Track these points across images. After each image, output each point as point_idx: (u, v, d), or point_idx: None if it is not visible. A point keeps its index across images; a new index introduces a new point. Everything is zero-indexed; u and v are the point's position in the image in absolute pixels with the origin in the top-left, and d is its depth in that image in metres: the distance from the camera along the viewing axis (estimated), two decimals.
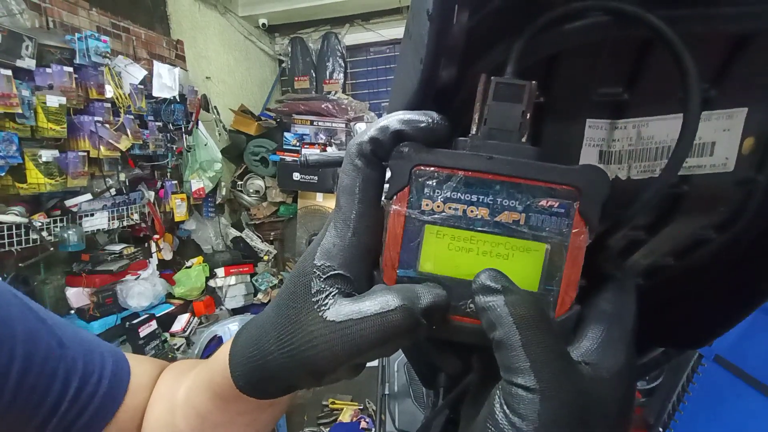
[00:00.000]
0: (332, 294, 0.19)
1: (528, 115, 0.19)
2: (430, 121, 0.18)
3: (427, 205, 0.18)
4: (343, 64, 3.05)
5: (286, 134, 2.65)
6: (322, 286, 0.19)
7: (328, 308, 0.18)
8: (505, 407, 0.16)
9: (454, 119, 0.20)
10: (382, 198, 0.20)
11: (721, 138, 0.22)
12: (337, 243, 0.19)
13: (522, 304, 0.16)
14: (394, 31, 2.94)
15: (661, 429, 1.12)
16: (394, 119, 0.19)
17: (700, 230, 0.26)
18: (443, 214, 0.18)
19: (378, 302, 0.18)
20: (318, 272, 0.19)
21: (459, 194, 0.18)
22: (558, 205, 0.18)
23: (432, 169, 0.18)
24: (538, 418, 0.15)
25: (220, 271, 2.38)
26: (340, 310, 0.18)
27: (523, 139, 0.19)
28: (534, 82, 0.19)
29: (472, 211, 0.18)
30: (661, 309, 0.31)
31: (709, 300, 0.30)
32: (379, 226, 0.20)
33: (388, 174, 0.20)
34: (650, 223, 0.25)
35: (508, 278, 0.17)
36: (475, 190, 0.18)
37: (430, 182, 0.18)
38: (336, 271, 0.19)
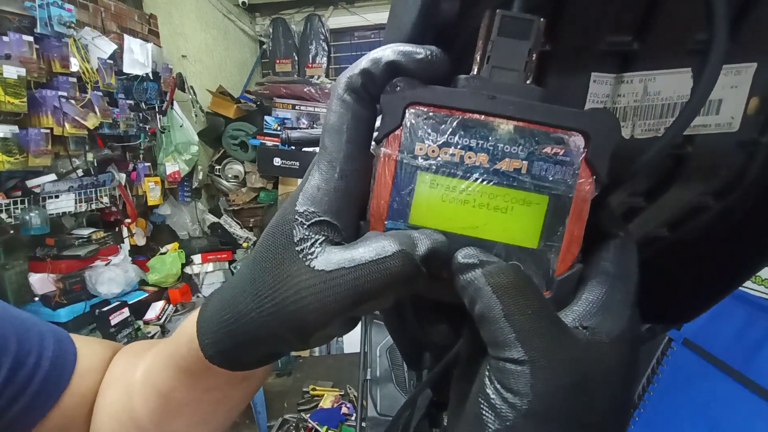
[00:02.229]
0: (318, 241, 0.17)
1: (535, 54, 0.17)
2: (429, 53, 0.17)
3: (420, 149, 0.16)
4: (326, 48, 2.97)
5: (266, 118, 2.57)
6: (306, 233, 0.17)
7: (316, 257, 0.16)
8: (495, 383, 0.15)
9: (455, 64, 0.18)
10: (372, 142, 0.18)
11: (729, 95, 0.21)
12: (322, 187, 0.17)
13: (500, 273, 0.15)
14: (379, 15, 2.87)
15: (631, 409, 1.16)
16: (388, 50, 0.17)
17: (699, 197, 0.25)
18: (438, 159, 0.16)
19: (373, 248, 0.16)
20: (301, 219, 0.17)
21: (456, 138, 0.16)
22: (564, 152, 0.16)
23: (428, 108, 0.16)
24: (531, 391, 0.14)
25: (196, 258, 2.31)
26: (330, 258, 0.16)
27: (528, 81, 0.17)
28: (543, 18, 0.17)
29: (470, 158, 0.16)
30: (649, 283, 0.31)
31: (697, 274, 0.29)
32: (368, 172, 0.17)
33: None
34: (650, 188, 0.25)
35: (487, 252, 0.16)
36: (474, 133, 0.16)
37: (426, 124, 0.16)
38: (321, 218, 0.17)
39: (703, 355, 1.02)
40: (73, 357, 0.30)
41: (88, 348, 0.32)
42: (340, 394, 1.88)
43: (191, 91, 2.41)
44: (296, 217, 0.17)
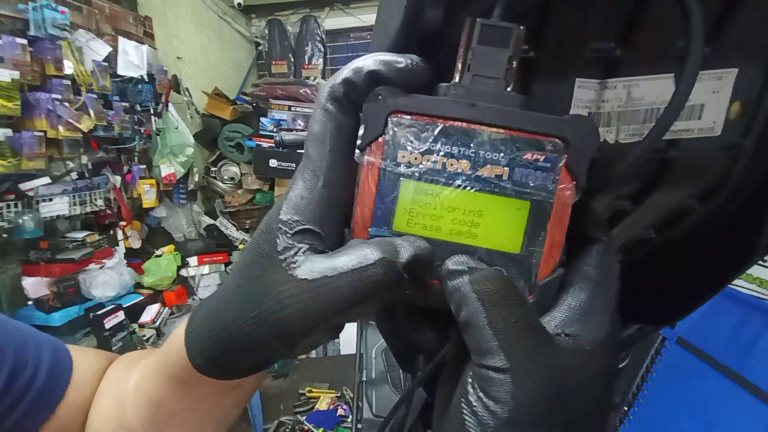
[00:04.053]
0: (302, 250, 0.17)
1: (515, 62, 0.17)
2: (410, 62, 0.17)
3: (403, 156, 0.17)
4: (322, 49, 2.97)
5: (262, 119, 2.57)
6: (290, 242, 0.17)
7: (299, 266, 0.16)
8: (478, 390, 0.15)
9: (438, 73, 0.18)
10: (355, 150, 0.18)
11: (710, 100, 0.22)
12: (306, 196, 0.17)
13: (486, 280, 0.15)
14: (375, 16, 2.87)
15: (626, 408, 1.17)
16: (369, 59, 0.17)
17: (684, 200, 0.26)
18: (421, 167, 0.17)
19: (355, 256, 0.16)
20: (284, 228, 0.17)
21: (438, 145, 0.17)
22: (544, 158, 0.16)
23: (410, 116, 0.16)
24: (512, 400, 0.14)
25: (192, 260, 2.29)
26: (313, 267, 0.16)
27: (509, 88, 0.17)
28: (522, 26, 0.17)
29: (452, 165, 0.17)
30: (639, 285, 0.31)
31: (686, 274, 0.30)
32: (352, 180, 0.18)
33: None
34: (636, 191, 0.25)
35: (475, 260, 0.16)
36: (455, 140, 0.17)
37: (408, 131, 0.17)
38: (305, 226, 0.17)
39: (697, 353, 1.02)
40: (69, 367, 0.30)
41: (84, 358, 0.32)
42: (336, 396, 1.88)
43: (186, 92, 2.40)
44: (280, 225, 0.17)
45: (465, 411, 0.15)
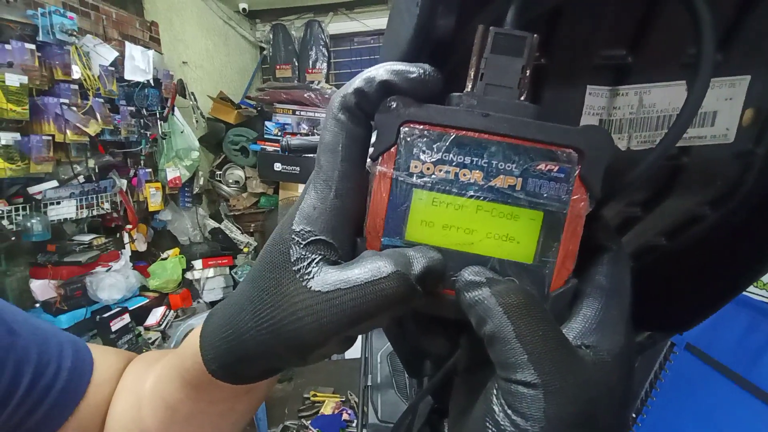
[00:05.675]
0: (315, 261, 0.17)
1: (528, 71, 0.17)
2: (422, 71, 0.17)
3: (415, 167, 0.17)
4: (326, 54, 2.99)
5: (267, 123, 2.59)
6: (303, 253, 0.17)
7: (312, 277, 0.16)
8: (505, 407, 0.14)
9: (450, 81, 0.18)
10: (367, 159, 0.18)
11: (723, 107, 0.21)
12: (318, 206, 0.17)
13: (510, 293, 0.15)
14: (379, 21, 2.89)
15: (634, 415, 1.16)
16: (381, 69, 0.17)
17: (696, 206, 0.25)
18: (433, 177, 0.17)
19: (368, 269, 0.16)
20: (297, 238, 0.17)
21: (451, 155, 0.16)
22: (558, 169, 0.16)
23: (422, 126, 0.16)
24: (544, 417, 0.13)
25: (197, 263, 2.31)
26: (326, 278, 0.16)
27: (522, 97, 0.17)
28: (536, 35, 0.17)
29: (464, 175, 0.16)
30: (648, 292, 0.31)
31: (697, 282, 0.29)
32: (364, 190, 0.18)
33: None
34: (647, 198, 0.25)
35: (492, 272, 0.16)
36: (468, 151, 0.16)
37: (420, 141, 0.17)
38: (317, 237, 0.17)
39: (706, 360, 1.01)
40: (90, 367, 0.30)
41: (104, 358, 0.32)
42: (341, 401, 1.87)
43: (192, 97, 2.42)
44: (293, 236, 0.17)
45: (490, 428, 0.14)
